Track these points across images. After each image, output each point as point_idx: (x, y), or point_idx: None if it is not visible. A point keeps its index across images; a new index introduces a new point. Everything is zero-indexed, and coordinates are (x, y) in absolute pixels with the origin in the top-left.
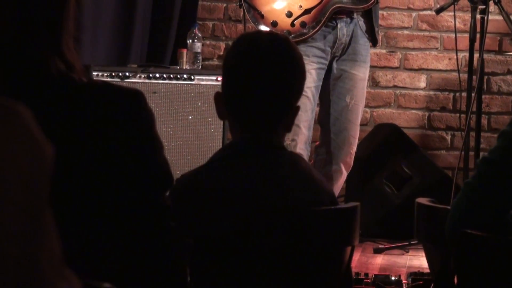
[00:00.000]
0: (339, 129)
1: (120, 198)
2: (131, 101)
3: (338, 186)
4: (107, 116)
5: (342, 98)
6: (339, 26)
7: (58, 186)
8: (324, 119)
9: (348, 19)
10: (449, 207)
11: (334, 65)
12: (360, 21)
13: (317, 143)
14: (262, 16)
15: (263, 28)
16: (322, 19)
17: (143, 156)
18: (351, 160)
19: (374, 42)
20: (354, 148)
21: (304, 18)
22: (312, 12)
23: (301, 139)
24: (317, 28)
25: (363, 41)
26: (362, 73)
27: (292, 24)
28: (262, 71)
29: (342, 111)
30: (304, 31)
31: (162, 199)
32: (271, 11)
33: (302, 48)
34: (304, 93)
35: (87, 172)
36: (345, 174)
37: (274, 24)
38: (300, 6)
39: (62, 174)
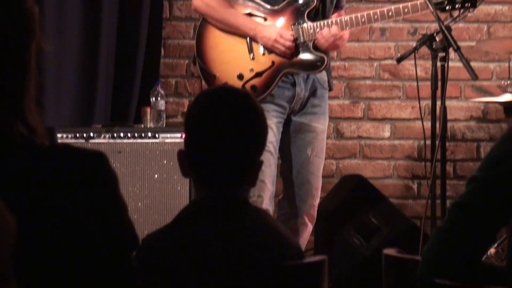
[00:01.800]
0: (301, 182)
1: (85, 261)
2: (93, 163)
3: (304, 239)
4: (69, 180)
5: (303, 151)
6: (297, 81)
7: (22, 253)
8: (285, 172)
9: (305, 75)
10: (417, 257)
11: (293, 118)
12: (317, 74)
13: (280, 196)
14: (214, 77)
15: None
16: (272, 83)
17: (107, 218)
18: (314, 213)
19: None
20: (317, 200)
21: (255, 81)
22: (263, 76)
23: (267, 194)
24: (266, 93)
25: (321, 92)
26: (322, 125)
27: (243, 87)
28: (224, 127)
29: (303, 164)
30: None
31: (127, 260)
32: (223, 72)
33: (261, 104)
34: (266, 148)
35: (51, 237)
36: (310, 227)
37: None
38: (252, 69)
39: (25, 240)
